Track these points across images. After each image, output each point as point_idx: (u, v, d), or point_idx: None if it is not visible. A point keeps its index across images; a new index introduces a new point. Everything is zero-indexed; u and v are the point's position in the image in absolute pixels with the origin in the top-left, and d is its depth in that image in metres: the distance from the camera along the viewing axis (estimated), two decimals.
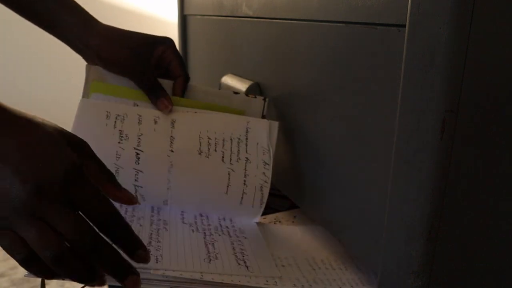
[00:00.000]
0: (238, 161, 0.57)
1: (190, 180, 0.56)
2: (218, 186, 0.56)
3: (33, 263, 0.33)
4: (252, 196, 0.56)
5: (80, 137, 0.39)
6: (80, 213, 0.34)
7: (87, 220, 0.34)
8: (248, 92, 0.63)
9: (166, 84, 0.60)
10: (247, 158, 0.57)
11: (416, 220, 0.35)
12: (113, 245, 0.35)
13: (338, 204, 0.48)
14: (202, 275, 0.43)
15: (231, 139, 0.57)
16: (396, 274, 0.38)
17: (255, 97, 0.62)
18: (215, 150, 0.57)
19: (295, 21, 0.52)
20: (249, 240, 0.52)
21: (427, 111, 0.33)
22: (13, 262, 1.49)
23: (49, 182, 0.33)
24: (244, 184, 0.56)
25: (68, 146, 0.36)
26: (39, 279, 0.43)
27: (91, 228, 0.34)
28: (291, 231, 0.58)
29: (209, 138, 0.57)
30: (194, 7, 0.91)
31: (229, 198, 0.56)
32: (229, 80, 0.71)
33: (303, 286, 0.44)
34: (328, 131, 0.49)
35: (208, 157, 0.56)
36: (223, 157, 0.57)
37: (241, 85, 0.66)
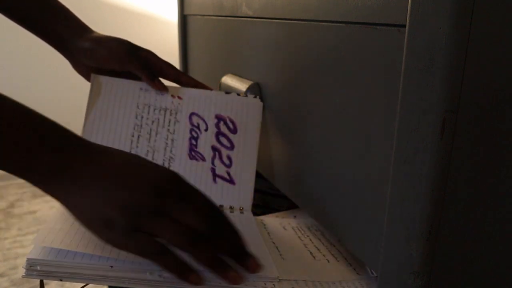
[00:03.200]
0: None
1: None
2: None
3: (167, 254, 0.38)
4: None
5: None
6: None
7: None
8: (248, 92, 0.64)
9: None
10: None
11: (416, 220, 0.35)
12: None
13: (338, 204, 0.48)
14: None
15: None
16: (396, 274, 0.38)
17: (246, 95, 0.62)
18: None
19: (295, 21, 0.52)
20: (246, 236, 0.52)
21: (427, 111, 0.33)
22: (13, 262, 1.49)
23: (162, 183, 0.39)
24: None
25: None
26: (38, 280, 0.43)
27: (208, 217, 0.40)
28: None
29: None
30: (194, 7, 0.91)
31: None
32: (229, 80, 0.71)
33: None
34: (328, 131, 0.49)
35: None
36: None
37: (241, 85, 0.66)
